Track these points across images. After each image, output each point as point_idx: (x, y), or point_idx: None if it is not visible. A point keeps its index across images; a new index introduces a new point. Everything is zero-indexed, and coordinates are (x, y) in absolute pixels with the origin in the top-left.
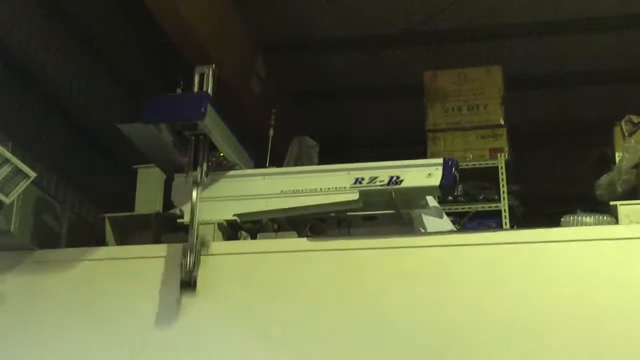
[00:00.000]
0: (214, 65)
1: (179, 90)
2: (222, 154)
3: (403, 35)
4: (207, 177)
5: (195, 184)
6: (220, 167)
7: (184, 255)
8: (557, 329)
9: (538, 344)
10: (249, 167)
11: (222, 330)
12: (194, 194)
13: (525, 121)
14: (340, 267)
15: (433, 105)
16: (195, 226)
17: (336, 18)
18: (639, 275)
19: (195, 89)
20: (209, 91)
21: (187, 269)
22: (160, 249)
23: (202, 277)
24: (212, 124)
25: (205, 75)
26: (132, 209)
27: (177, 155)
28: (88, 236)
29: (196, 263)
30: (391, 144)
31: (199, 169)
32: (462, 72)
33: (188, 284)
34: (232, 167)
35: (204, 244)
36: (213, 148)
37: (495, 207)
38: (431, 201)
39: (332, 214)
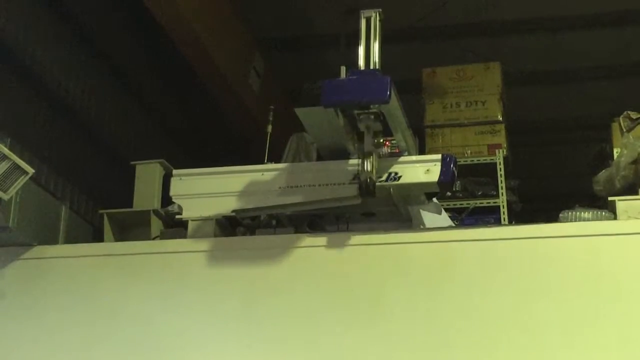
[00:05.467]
0: (380, 10)
1: None
2: (389, 140)
3: (401, 31)
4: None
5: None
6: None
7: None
8: (556, 325)
9: (537, 339)
10: (416, 154)
11: (221, 326)
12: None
13: (524, 117)
14: (338, 263)
15: (431, 101)
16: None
17: (334, 14)
18: (637, 270)
19: (363, 37)
20: (377, 39)
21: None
22: (159, 245)
23: (199, 273)
24: (393, 107)
25: (372, 19)
26: (131, 205)
27: (347, 141)
28: (86, 232)
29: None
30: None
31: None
32: (460, 68)
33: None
34: (400, 154)
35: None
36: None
37: (494, 202)
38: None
39: (331, 210)
